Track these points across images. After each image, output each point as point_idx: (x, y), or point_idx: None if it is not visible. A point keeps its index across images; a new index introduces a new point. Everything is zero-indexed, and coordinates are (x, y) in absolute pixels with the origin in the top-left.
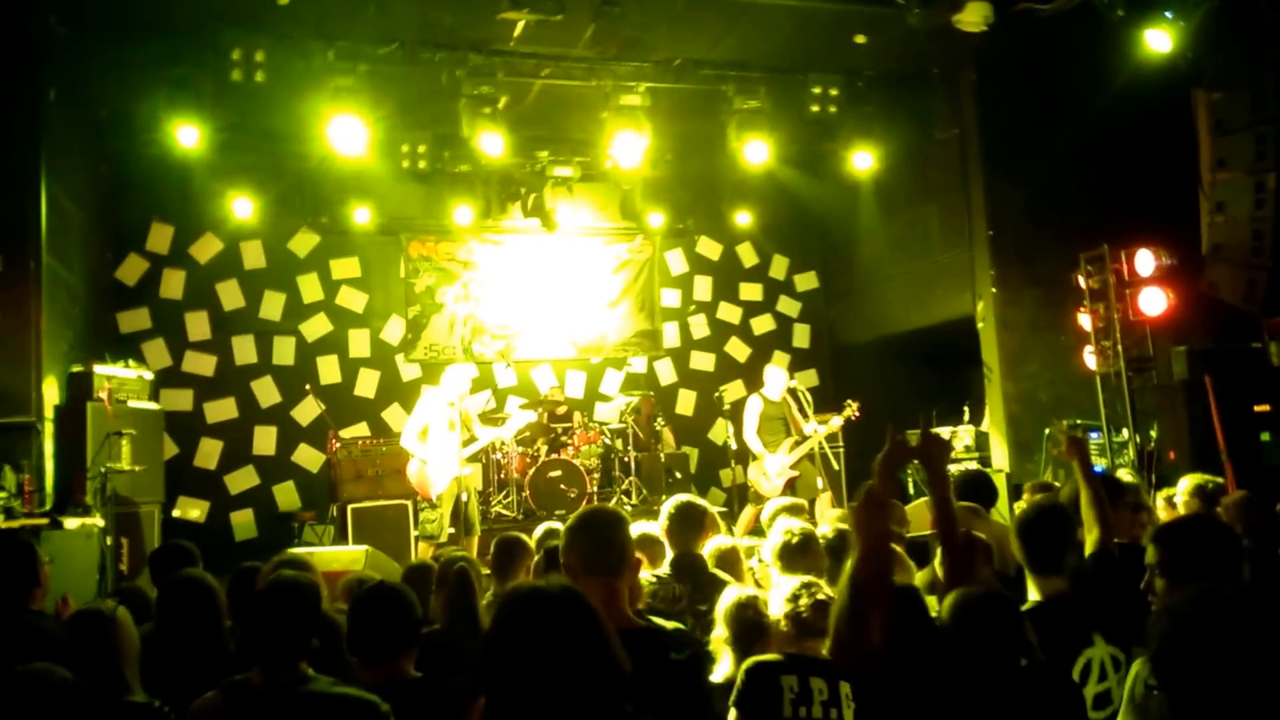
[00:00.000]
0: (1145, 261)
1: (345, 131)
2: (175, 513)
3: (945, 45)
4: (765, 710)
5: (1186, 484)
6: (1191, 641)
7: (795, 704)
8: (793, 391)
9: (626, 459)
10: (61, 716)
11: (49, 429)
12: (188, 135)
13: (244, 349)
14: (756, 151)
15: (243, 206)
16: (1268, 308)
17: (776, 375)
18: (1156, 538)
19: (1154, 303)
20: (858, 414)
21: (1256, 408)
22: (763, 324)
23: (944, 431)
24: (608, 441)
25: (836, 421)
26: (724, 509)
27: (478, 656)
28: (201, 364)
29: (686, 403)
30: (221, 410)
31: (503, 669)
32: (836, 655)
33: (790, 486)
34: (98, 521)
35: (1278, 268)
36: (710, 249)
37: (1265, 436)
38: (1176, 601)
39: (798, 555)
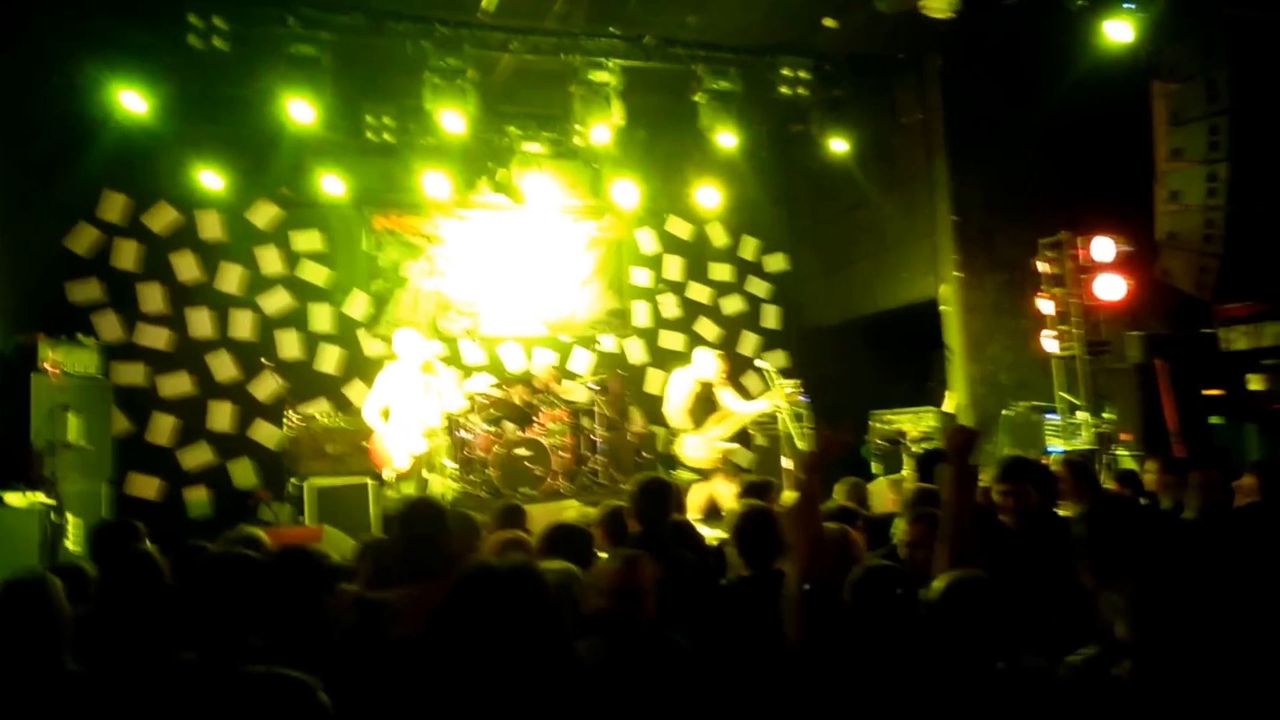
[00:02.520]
0: (1103, 248)
1: (307, 102)
2: (127, 489)
3: (912, 31)
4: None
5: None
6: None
7: None
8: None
9: (595, 438)
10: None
11: None
12: (143, 101)
13: (200, 322)
14: (725, 133)
15: (201, 176)
16: (1219, 294)
17: (705, 359)
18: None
19: (1111, 288)
20: (800, 396)
21: (1207, 392)
22: (732, 304)
23: (908, 413)
24: (576, 420)
25: (763, 405)
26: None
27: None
28: (155, 337)
29: (655, 382)
30: (176, 385)
31: (457, 637)
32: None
33: (726, 464)
34: (43, 497)
35: (1229, 256)
36: (680, 228)
37: (1216, 420)
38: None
39: (753, 533)
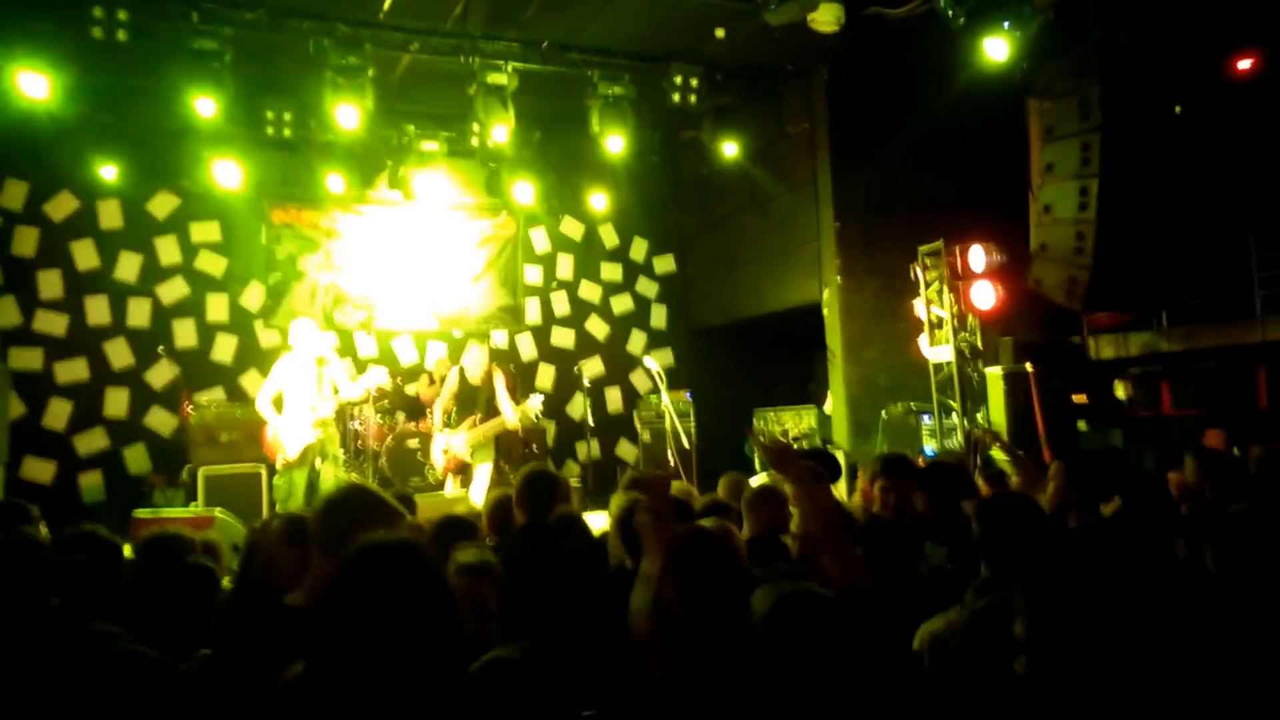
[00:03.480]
0: (977, 257)
1: (208, 95)
2: (21, 473)
3: (799, 43)
4: None
5: None
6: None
7: None
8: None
9: None
10: None
11: None
12: (43, 86)
13: (97, 309)
14: (616, 138)
15: (102, 166)
16: (1088, 305)
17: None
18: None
19: (984, 296)
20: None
21: (1075, 398)
22: (622, 303)
23: (788, 412)
24: None
25: (535, 403)
26: (578, 484)
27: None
28: (53, 323)
29: (546, 377)
30: (72, 371)
31: (349, 612)
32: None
33: (459, 470)
34: None
35: (1098, 267)
36: (573, 228)
37: (1082, 425)
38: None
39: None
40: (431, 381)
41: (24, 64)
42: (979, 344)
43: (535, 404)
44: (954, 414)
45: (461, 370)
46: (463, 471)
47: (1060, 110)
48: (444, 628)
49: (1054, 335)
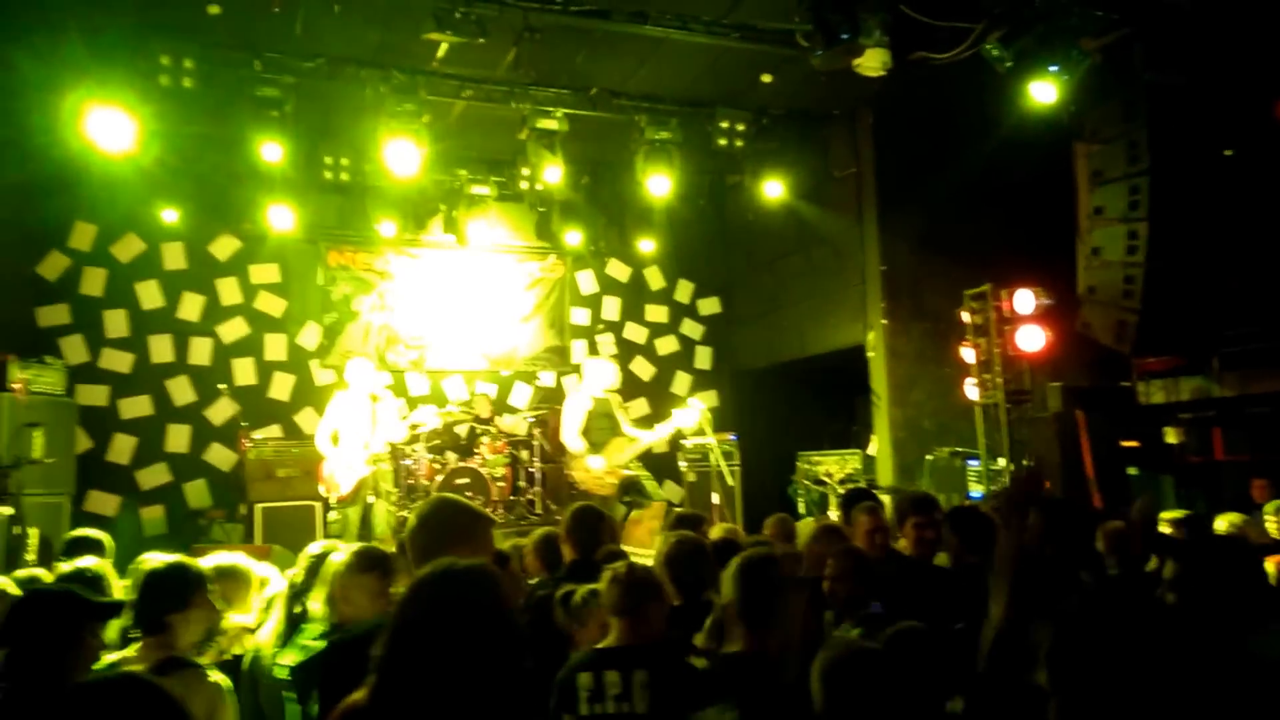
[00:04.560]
0: (1025, 300)
1: (269, 141)
2: (86, 505)
3: (846, 88)
4: (568, 709)
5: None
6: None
7: (591, 701)
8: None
9: (532, 469)
10: None
11: None
12: (114, 137)
13: (161, 348)
14: (661, 182)
15: (166, 210)
16: (1137, 348)
17: (600, 369)
18: None
19: (1032, 340)
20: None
21: (1124, 443)
22: (667, 345)
23: (834, 455)
24: (514, 452)
25: (665, 432)
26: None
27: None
28: (118, 361)
29: None
30: (136, 407)
31: (413, 640)
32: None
33: (624, 487)
34: (6, 510)
35: (1148, 311)
36: (619, 271)
37: (1133, 470)
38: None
39: (685, 563)
40: (542, 424)
41: (93, 114)
42: (1027, 387)
43: (597, 369)
44: (1000, 459)
45: (586, 391)
46: (615, 494)
47: (1108, 154)
48: (500, 655)
49: (1103, 380)
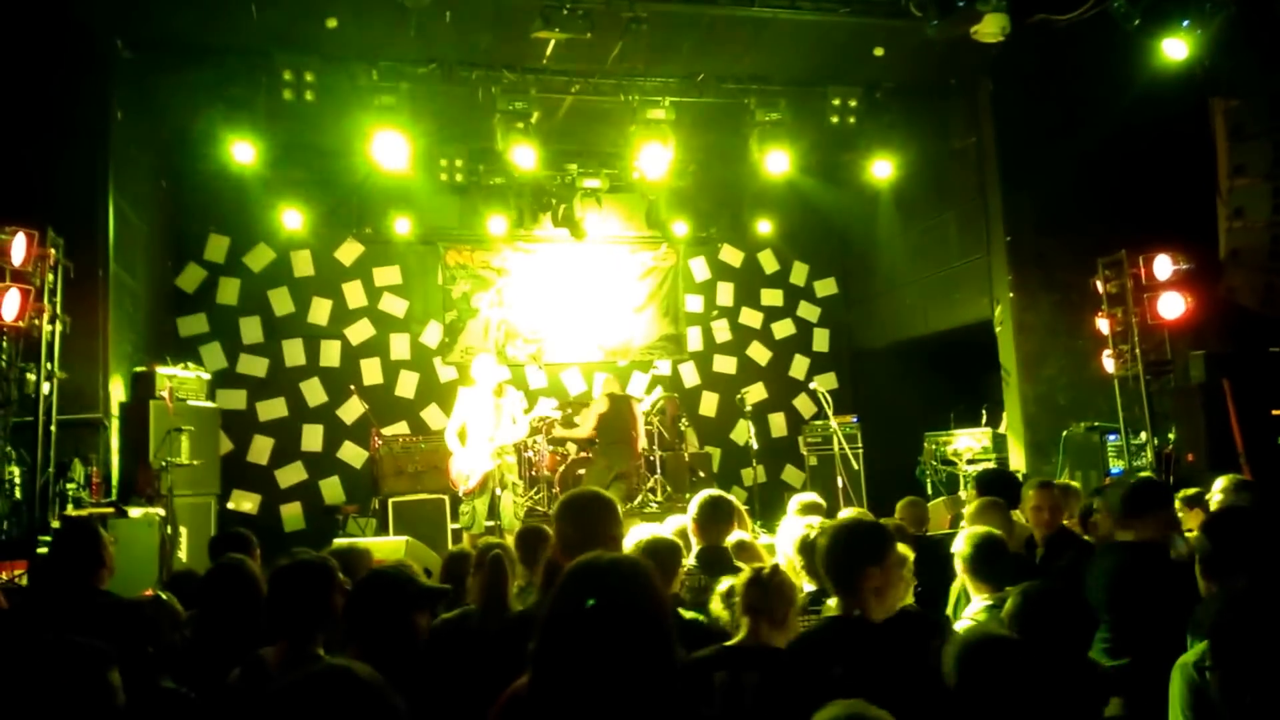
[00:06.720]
0: (1163, 266)
1: (388, 147)
2: (230, 504)
3: (962, 56)
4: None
5: (1222, 482)
6: (1247, 625)
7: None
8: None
9: (652, 458)
10: None
11: (115, 425)
12: (243, 152)
13: (293, 352)
14: (777, 162)
15: (293, 218)
16: None
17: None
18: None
19: (1172, 307)
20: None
21: (1274, 411)
22: (783, 328)
23: (963, 433)
24: None
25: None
26: (746, 506)
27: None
28: (254, 366)
29: (709, 404)
30: (272, 409)
31: (569, 632)
32: None
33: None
34: (158, 511)
35: None
36: (732, 256)
37: None
38: (1234, 589)
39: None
40: (661, 412)
41: (223, 130)
42: (1168, 357)
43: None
44: (1142, 433)
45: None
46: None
47: (1248, 108)
48: (655, 648)
49: (1249, 345)
